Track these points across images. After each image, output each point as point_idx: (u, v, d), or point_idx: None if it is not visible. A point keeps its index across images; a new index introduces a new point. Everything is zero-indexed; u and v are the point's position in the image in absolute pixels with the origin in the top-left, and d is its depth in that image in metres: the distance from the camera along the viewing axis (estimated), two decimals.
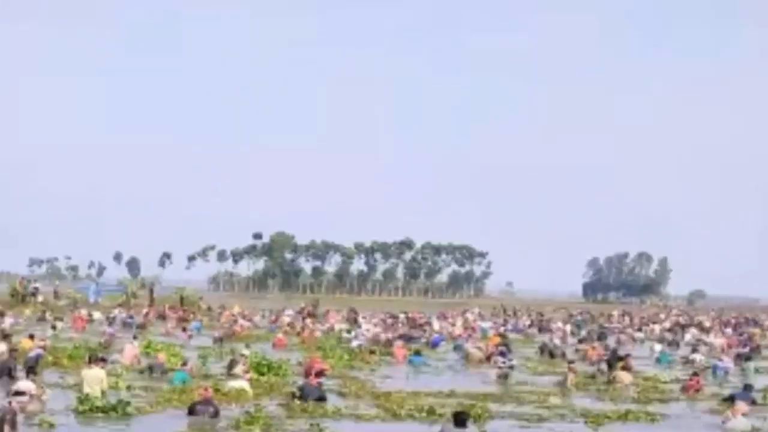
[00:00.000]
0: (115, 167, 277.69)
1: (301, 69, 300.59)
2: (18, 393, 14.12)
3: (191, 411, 16.76)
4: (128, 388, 19.91)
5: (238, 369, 22.79)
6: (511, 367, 27.15)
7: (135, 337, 28.59)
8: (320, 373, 21.19)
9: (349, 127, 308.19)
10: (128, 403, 17.07)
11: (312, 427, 15.58)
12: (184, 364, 23.18)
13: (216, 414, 16.63)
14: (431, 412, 17.73)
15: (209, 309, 59.70)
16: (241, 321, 45.92)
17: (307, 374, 20.96)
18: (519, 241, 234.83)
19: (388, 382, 24.12)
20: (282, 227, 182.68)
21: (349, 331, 40.40)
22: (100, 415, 16.35)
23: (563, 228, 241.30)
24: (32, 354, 23.37)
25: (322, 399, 18.94)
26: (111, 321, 42.98)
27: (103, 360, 20.25)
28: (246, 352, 25.99)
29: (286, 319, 48.85)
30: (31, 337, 28.32)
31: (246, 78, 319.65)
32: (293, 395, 18.99)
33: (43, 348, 24.94)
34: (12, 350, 23.42)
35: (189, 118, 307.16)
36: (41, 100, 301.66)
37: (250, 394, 19.37)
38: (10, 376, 20.32)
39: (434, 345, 36.87)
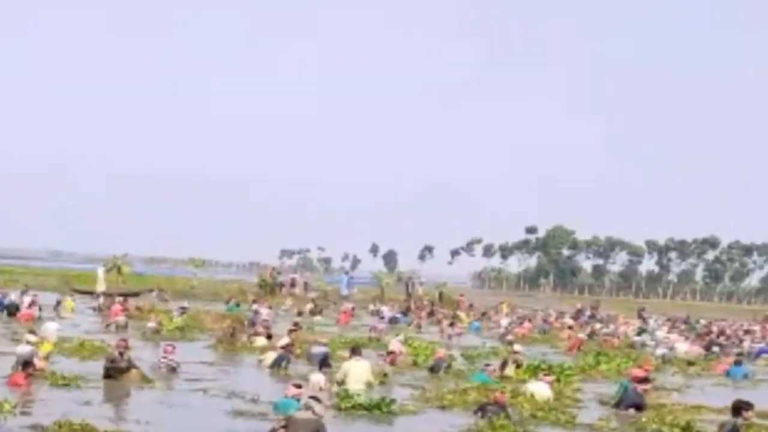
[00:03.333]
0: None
1: None
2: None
3: (482, 409, 16.81)
4: (381, 383, 20.40)
5: (509, 370, 22.90)
6: None
7: (397, 335, 29.35)
8: (644, 380, 20.61)
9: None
10: (393, 401, 17.36)
11: None
12: (488, 364, 23.47)
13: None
14: (687, 428, 16.86)
15: (471, 306, 60.17)
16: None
17: (632, 379, 20.53)
18: None
19: (682, 394, 22.95)
20: (559, 221, 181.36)
21: (639, 334, 39.39)
22: (362, 412, 16.71)
23: None
24: (317, 351, 24.03)
25: (640, 407, 18.61)
26: (377, 315, 44.70)
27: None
28: (519, 347, 25.93)
29: (569, 321, 48.18)
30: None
31: None
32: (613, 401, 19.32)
33: (325, 345, 25.43)
34: (288, 345, 23.99)
35: None
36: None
37: (550, 399, 19.21)
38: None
39: (757, 355, 34.95)
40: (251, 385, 18.78)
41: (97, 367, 19.92)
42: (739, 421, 13.22)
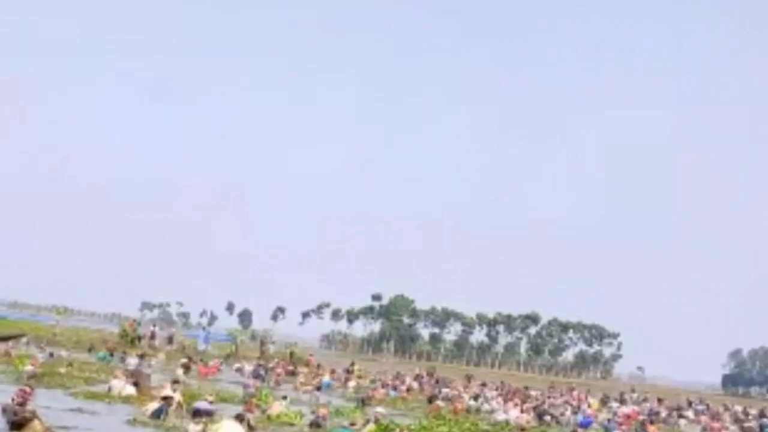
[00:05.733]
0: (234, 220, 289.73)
1: None
2: None
3: None
4: None
5: (366, 429, 22.88)
6: None
7: (285, 397, 28.58)
8: None
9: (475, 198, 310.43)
10: None
11: None
12: (353, 424, 23.20)
13: None
14: None
15: (319, 366, 59.82)
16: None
17: None
18: (654, 325, 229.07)
19: None
20: (401, 290, 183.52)
21: (476, 399, 40.36)
22: None
23: (705, 314, 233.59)
24: (201, 406, 22.71)
25: None
26: (240, 371, 43.98)
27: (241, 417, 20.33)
28: (381, 410, 25.96)
29: (410, 383, 48.49)
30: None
31: None
32: None
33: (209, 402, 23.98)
34: (167, 397, 22.82)
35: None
36: None
37: None
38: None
39: (583, 426, 35.56)
40: None
41: None
42: None
